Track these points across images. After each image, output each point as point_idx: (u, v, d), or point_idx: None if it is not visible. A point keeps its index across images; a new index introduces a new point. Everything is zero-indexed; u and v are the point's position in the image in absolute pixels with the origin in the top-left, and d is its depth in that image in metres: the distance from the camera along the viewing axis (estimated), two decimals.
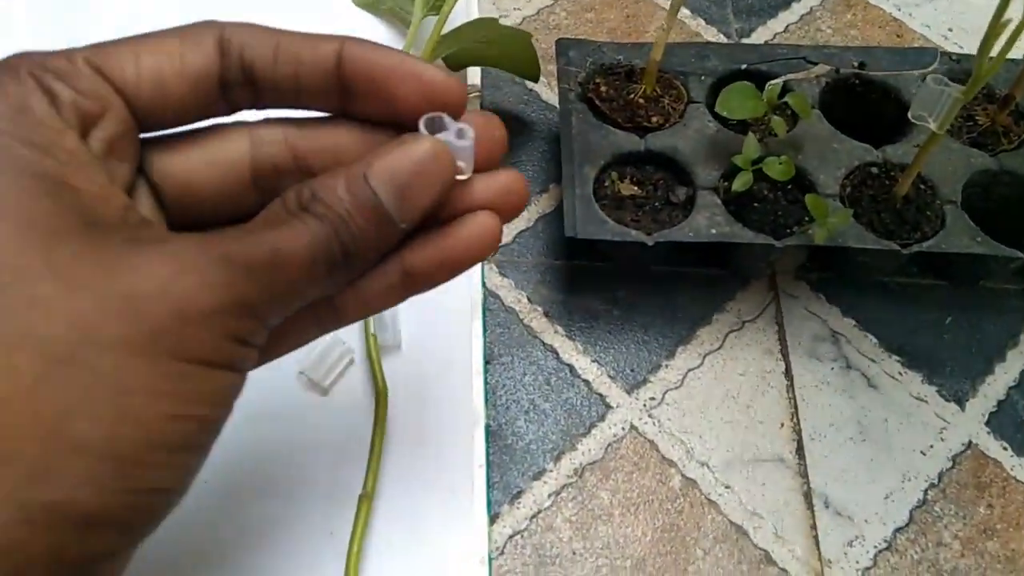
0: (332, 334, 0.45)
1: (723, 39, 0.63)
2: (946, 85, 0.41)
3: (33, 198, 0.22)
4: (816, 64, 0.53)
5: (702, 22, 0.64)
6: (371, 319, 0.45)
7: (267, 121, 0.28)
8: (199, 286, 0.23)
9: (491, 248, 0.28)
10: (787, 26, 0.65)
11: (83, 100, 0.24)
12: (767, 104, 0.47)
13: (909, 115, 0.43)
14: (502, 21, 0.63)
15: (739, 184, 0.45)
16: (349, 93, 0.27)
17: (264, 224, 0.25)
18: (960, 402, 0.48)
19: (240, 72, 0.26)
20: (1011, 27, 0.38)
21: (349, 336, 0.46)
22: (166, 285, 0.22)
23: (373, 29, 0.57)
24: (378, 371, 0.44)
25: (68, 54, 0.25)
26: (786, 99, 0.47)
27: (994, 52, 0.40)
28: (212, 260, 0.23)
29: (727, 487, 0.45)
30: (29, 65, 0.24)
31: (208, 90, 0.26)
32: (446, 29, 0.51)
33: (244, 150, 0.28)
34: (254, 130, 0.28)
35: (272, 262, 0.24)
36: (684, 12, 0.64)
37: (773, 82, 0.48)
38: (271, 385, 0.45)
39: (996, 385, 0.49)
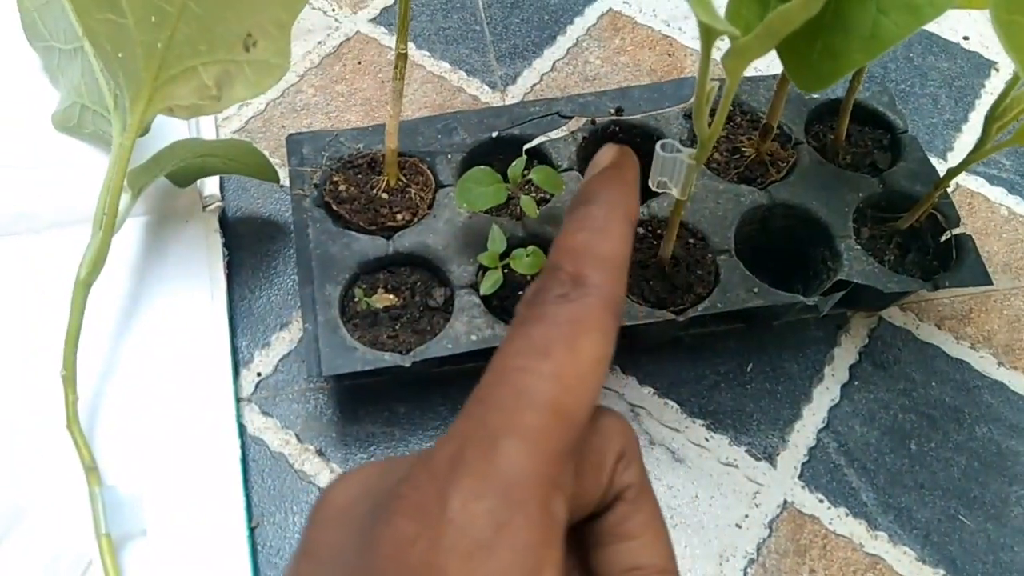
0: (60, 538, 0.39)
1: (488, 90, 0.59)
2: (678, 151, 0.38)
3: None
4: (571, 118, 0.50)
5: (464, 75, 0.59)
6: (100, 507, 0.39)
7: None
8: None
9: None
10: (554, 64, 0.61)
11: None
12: (513, 183, 0.43)
13: (650, 183, 0.40)
14: (241, 108, 0.57)
15: (487, 286, 0.41)
16: None
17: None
18: (771, 458, 0.45)
19: None
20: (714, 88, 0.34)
21: (82, 537, 0.40)
22: None
23: (77, 152, 0.51)
24: None
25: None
26: (531, 175, 0.43)
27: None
28: None
29: None
30: (562, 516, 0.19)
31: None
32: (158, 148, 0.45)
33: None
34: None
35: None
36: (444, 66, 0.60)
37: (516, 162, 0.44)
38: None
39: (805, 431, 0.46)
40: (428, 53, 0.60)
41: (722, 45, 0.33)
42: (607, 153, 0.27)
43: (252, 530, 0.42)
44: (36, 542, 0.39)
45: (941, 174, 0.47)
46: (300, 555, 0.21)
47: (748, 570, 0.42)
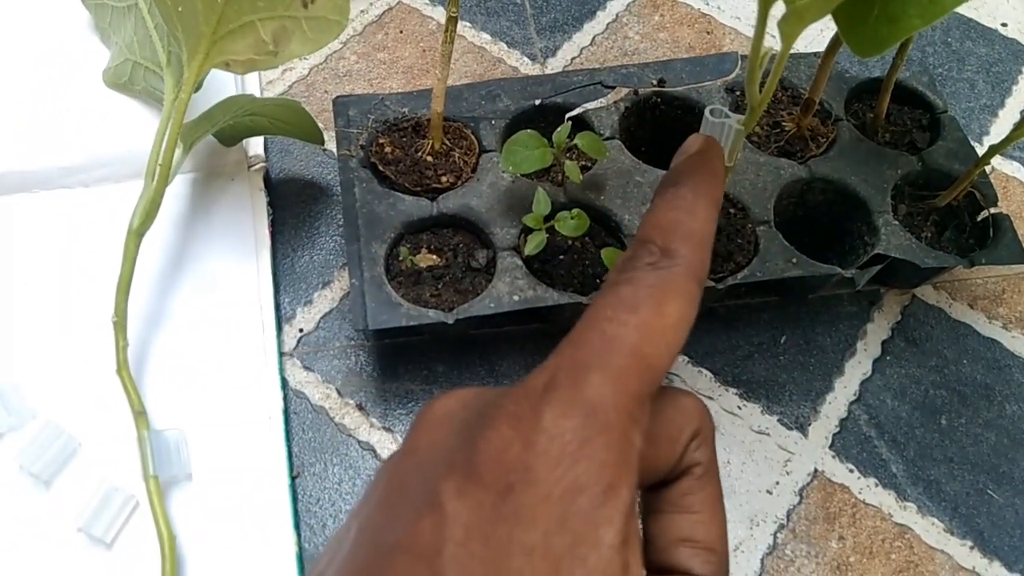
0: (108, 480, 0.40)
1: (528, 62, 0.59)
2: (726, 117, 0.38)
3: None
4: (613, 88, 0.50)
5: (504, 46, 0.60)
6: (148, 450, 0.40)
7: None
8: None
9: None
10: (593, 38, 0.61)
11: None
12: (557, 149, 0.44)
13: None
14: (284, 72, 0.58)
15: (532, 247, 0.42)
16: None
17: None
18: (802, 428, 0.46)
19: None
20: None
21: (130, 479, 0.41)
22: None
23: (127, 109, 0.52)
24: (161, 518, 0.39)
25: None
26: (575, 142, 0.44)
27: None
28: None
29: None
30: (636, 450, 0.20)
31: None
32: (207, 107, 0.46)
33: None
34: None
35: None
36: (484, 37, 0.60)
37: (561, 127, 0.44)
38: (45, 549, 0.40)
39: (837, 403, 0.47)
40: (469, 24, 0.61)
41: (776, 13, 0.34)
42: (695, 141, 0.29)
43: (293, 480, 0.43)
44: (87, 482, 0.40)
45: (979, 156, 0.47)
46: (401, 453, 0.22)
47: (778, 535, 0.43)
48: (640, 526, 0.24)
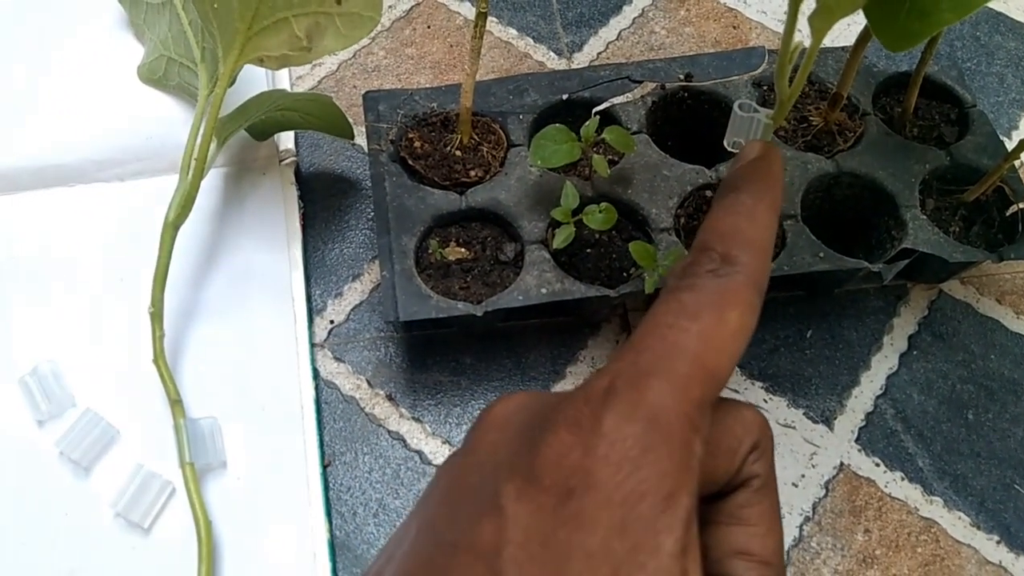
0: (145, 467, 0.41)
1: (554, 57, 0.60)
2: (755, 111, 0.38)
3: None
4: (640, 82, 0.50)
5: (530, 41, 0.60)
6: (184, 438, 0.41)
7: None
8: None
9: None
10: (619, 33, 0.61)
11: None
12: (585, 143, 0.44)
13: (724, 143, 0.40)
14: (314, 68, 0.58)
15: (560, 240, 0.42)
16: None
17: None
18: (828, 422, 0.46)
19: None
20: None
21: (166, 466, 0.42)
22: None
23: (161, 104, 0.53)
24: (197, 503, 0.40)
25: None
26: (603, 136, 0.44)
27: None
28: None
29: None
30: (698, 461, 0.20)
31: None
32: (239, 102, 0.46)
33: None
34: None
35: None
36: (511, 32, 0.61)
37: (589, 122, 0.45)
38: (85, 533, 0.41)
39: (863, 397, 0.47)
40: (496, 19, 0.61)
41: (806, 9, 0.34)
42: (754, 147, 0.29)
43: (324, 468, 0.44)
44: (125, 468, 0.41)
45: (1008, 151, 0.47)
46: (462, 453, 0.23)
47: (804, 527, 0.43)
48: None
